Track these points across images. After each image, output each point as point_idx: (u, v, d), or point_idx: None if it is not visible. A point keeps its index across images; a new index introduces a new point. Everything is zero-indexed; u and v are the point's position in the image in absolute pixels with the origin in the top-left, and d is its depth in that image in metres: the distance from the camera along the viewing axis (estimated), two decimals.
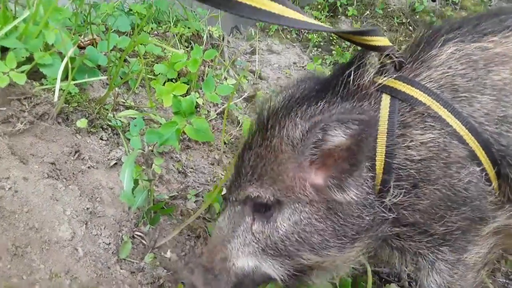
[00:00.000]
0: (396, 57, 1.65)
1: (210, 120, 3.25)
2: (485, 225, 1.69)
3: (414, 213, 1.64)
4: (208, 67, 3.65)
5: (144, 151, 1.96)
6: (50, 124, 2.06)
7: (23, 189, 1.80)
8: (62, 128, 2.13)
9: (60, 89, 2.17)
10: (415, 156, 1.59)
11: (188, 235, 2.33)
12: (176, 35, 3.66)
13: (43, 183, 1.87)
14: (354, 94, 1.66)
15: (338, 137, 1.48)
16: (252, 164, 1.64)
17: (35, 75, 2.38)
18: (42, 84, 2.23)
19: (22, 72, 2.04)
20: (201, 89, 3.18)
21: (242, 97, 3.53)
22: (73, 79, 2.26)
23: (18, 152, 1.93)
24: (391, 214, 1.63)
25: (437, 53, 1.66)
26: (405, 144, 1.59)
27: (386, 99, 1.63)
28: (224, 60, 4.21)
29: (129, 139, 2.44)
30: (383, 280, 2.59)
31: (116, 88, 2.78)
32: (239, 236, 1.71)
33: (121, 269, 1.83)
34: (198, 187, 2.74)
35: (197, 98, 3.15)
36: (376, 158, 1.59)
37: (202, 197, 2.63)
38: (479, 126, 1.58)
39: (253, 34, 5.80)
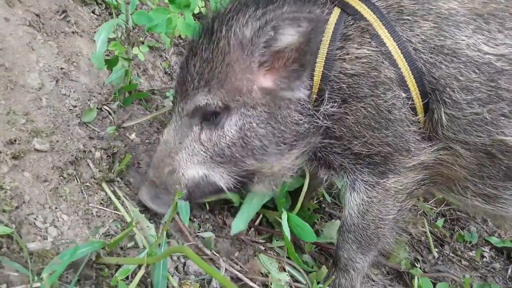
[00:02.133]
0: None
1: None
2: (408, 157, 1.71)
3: (341, 127, 1.68)
4: None
5: (127, 25, 1.94)
6: None
7: (1, 28, 1.81)
8: None
9: None
10: (348, 70, 1.61)
11: (158, 128, 2.36)
12: None
13: (22, 29, 1.88)
14: (306, 2, 1.64)
15: (289, 35, 1.50)
16: (198, 70, 1.63)
17: None
18: None
19: None
20: (208, 0, 3.13)
21: None
22: None
23: None
24: (326, 122, 1.67)
25: None
26: (342, 57, 1.61)
27: (336, 12, 1.63)
28: None
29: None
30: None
31: None
32: (187, 147, 1.73)
33: (79, 129, 1.86)
34: None
35: (202, 7, 3.11)
36: (316, 69, 1.62)
37: None
38: (415, 52, 1.58)
39: None
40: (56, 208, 1.58)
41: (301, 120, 1.67)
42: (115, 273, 1.49)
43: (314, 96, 1.65)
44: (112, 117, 2.09)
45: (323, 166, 1.83)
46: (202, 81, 1.62)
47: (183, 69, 1.71)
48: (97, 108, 2.02)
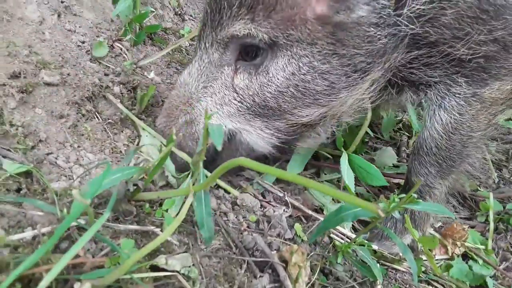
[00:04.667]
0: None
1: None
2: None
3: (436, 29, 1.37)
4: None
5: None
6: None
7: None
8: None
9: None
10: None
11: (177, 69, 2.11)
12: None
13: None
14: None
15: None
16: None
17: None
18: None
19: None
20: None
21: None
22: None
23: None
24: (413, 27, 1.34)
25: None
26: None
27: None
28: None
29: None
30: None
31: None
32: (214, 93, 1.37)
33: (92, 64, 1.61)
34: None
35: None
36: None
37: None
38: None
39: None
40: (78, 146, 1.35)
41: (377, 34, 1.33)
42: (157, 209, 1.27)
43: None
44: (126, 54, 1.84)
45: (408, 88, 1.53)
46: (243, 7, 1.27)
47: None
48: (108, 44, 1.77)
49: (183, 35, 2.30)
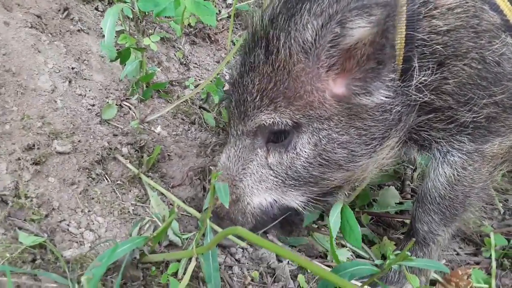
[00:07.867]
0: None
1: (220, 19, 3.07)
2: None
3: (441, 96, 1.45)
4: None
5: (133, 9, 1.80)
6: None
7: (2, 33, 1.68)
8: None
9: None
10: (441, 27, 1.36)
11: (183, 119, 2.21)
12: None
13: (25, 31, 1.75)
14: None
15: (359, 28, 1.24)
16: (259, 87, 1.40)
17: None
18: None
19: None
20: None
21: None
22: None
23: None
24: (422, 96, 1.42)
25: None
26: (429, 13, 1.36)
27: None
28: None
29: None
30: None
31: None
32: (253, 173, 1.52)
33: (101, 127, 1.72)
34: (200, 79, 2.60)
35: None
36: (397, 35, 1.34)
37: (203, 89, 2.48)
38: None
39: None
40: (89, 211, 1.44)
41: (391, 104, 1.42)
42: (164, 271, 1.35)
43: (400, 69, 1.39)
44: (134, 112, 1.95)
45: (417, 147, 1.62)
46: (265, 99, 1.41)
47: (238, 87, 1.49)
48: (116, 104, 1.88)
49: (188, 86, 2.40)
